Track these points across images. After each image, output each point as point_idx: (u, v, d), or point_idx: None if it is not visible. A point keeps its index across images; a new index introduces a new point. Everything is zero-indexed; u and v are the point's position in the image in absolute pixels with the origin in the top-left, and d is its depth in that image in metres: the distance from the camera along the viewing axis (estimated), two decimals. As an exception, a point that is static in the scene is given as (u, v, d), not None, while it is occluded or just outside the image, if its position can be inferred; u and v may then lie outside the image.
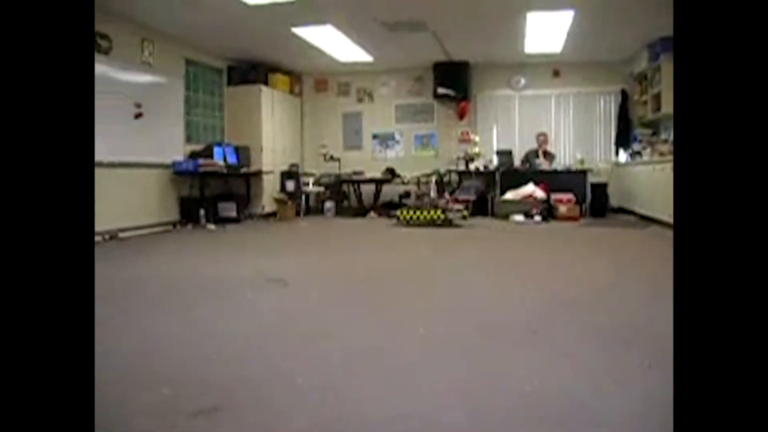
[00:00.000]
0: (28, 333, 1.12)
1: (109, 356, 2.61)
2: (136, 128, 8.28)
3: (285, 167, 11.15)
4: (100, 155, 7.39)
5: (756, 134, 1.08)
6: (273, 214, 10.48)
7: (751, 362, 1.03)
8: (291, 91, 11.85)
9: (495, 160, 10.80)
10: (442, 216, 8.89)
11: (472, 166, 10.95)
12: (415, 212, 9.04)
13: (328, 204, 11.19)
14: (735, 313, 1.06)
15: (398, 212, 9.29)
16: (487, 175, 10.84)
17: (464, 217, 9.34)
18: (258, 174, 10.31)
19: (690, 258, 1.12)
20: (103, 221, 7.44)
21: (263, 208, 10.45)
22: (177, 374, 2.44)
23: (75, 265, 1.21)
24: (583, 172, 10.33)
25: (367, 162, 11.93)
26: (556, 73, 11.35)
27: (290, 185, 10.88)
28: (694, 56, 1.15)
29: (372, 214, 10.80)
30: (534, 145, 10.82)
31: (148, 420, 1.99)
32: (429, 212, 8.96)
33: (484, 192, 10.76)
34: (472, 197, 10.59)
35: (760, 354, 1.02)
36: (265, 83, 10.85)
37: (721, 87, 1.12)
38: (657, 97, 9.70)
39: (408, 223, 8.99)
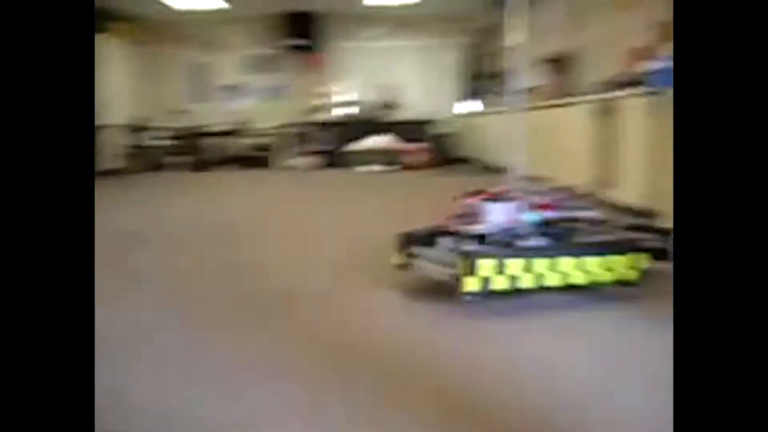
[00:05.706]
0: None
1: None
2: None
3: (128, 121, 10.62)
4: None
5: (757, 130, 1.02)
6: (118, 171, 10.02)
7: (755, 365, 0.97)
8: (134, 41, 11.26)
9: (344, 112, 10.82)
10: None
11: (321, 118, 10.95)
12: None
13: (175, 159, 10.84)
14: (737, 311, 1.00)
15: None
16: (336, 126, 10.88)
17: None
18: (99, 129, 9.75)
19: (691, 259, 1.06)
20: None
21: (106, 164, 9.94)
22: None
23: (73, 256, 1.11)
24: (430, 123, 10.60)
25: (216, 114, 11.58)
26: (404, 26, 11.47)
27: (135, 140, 10.44)
28: (695, 50, 1.08)
29: (221, 167, 10.59)
30: (382, 97, 10.93)
31: None
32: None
33: (334, 143, 10.82)
34: (323, 148, 10.65)
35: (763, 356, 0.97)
36: (103, 32, 10.24)
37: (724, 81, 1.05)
38: (500, 50, 10.02)
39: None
